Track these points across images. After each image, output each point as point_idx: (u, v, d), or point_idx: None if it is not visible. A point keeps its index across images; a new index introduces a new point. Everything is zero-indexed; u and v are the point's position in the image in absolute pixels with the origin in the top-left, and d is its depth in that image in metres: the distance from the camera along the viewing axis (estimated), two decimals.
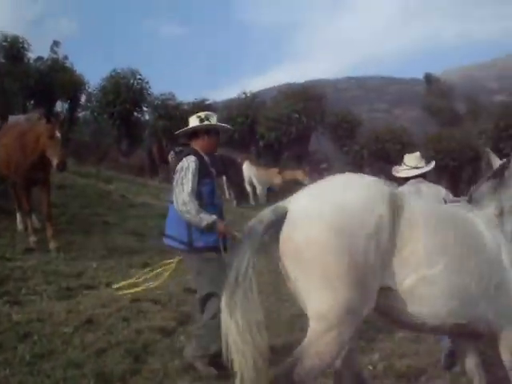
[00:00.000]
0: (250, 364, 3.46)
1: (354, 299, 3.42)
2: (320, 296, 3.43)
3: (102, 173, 21.46)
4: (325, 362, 3.52)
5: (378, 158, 34.70)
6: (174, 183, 5.51)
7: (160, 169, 26.56)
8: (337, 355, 3.69)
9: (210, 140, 5.89)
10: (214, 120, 5.94)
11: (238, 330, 3.47)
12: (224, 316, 3.51)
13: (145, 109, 36.32)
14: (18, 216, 10.67)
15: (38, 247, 9.51)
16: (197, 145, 5.84)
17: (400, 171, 6.62)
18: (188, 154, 5.66)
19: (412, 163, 6.55)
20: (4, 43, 36.08)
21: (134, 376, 5.41)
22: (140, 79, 34.86)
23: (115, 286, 6.45)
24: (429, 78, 62.93)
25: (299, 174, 23.12)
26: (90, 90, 36.45)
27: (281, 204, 3.69)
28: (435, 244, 3.71)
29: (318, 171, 22.19)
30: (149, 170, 26.77)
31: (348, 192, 3.57)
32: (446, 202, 5.96)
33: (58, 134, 9.23)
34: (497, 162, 4.82)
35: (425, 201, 4.32)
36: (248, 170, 22.83)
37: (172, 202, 5.55)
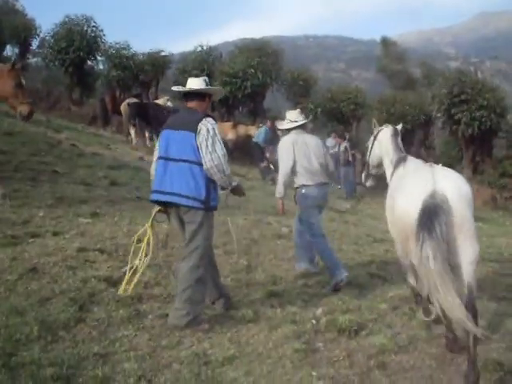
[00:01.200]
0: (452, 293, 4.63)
1: None
2: (476, 248, 5.04)
3: (52, 121, 21.04)
4: None
5: (331, 117, 34.82)
6: (203, 143, 5.60)
7: (112, 119, 26.20)
8: None
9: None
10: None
11: (444, 272, 4.66)
12: (431, 261, 4.67)
13: (98, 58, 35.51)
14: None
15: None
16: (199, 106, 6.01)
17: (284, 124, 8.20)
18: (207, 116, 5.83)
19: (293, 117, 8.03)
20: None
21: (78, 324, 5.41)
22: (94, 27, 33.99)
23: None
24: (385, 41, 62.85)
25: (253, 130, 23.04)
26: (41, 36, 35.40)
27: (438, 192, 4.95)
28: None
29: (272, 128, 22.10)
30: (101, 120, 26.34)
31: (465, 184, 5.18)
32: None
33: (24, 81, 8.94)
34: (376, 129, 6.83)
35: None
36: None
37: (187, 161, 5.64)
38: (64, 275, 6.48)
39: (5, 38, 34.24)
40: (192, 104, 6.01)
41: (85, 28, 33.51)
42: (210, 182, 5.67)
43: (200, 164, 5.62)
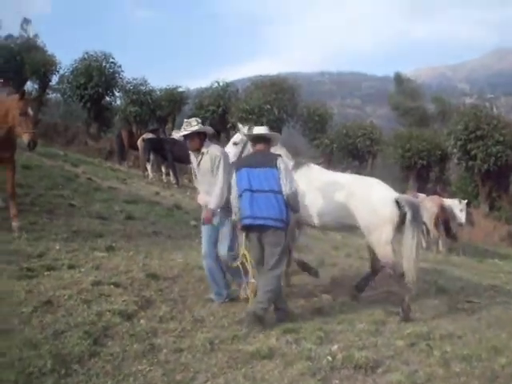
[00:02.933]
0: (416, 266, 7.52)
1: None
2: None
3: (69, 155, 21.24)
4: None
5: (347, 153, 34.88)
6: (283, 176, 6.90)
7: (129, 154, 26.38)
8: None
9: None
10: None
11: (415, 250, 7.43)
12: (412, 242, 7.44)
13: (116, 93, 35.96)
14: None
15: (0, 226, 9.34)
16: (266, 148, 7.32)
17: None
18: (278, 155, 7.19)
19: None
20: None
21: (92, 358, 5.37)
22: (113, 63, 34.52)
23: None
24: (399, 78, 62.92)
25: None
26: (61, 72, 35.96)
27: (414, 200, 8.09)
28: None
29: None
30: (118, 155, 26.55)
31: None
32: None
33: (31, 111, 9.04)
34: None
35: None
36: None
37: (272, 191, 6.87)
38: (79, 308, 6.47)
39: (26, 74, 34.81)
40: (260, 147, 7.27)
41: (103, 64, 34.02)
42: (287, 207, 6.92)
43: (281, 193, 6.87)
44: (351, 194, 7.83)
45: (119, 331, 6.04)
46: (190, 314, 6.81)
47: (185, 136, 7.72)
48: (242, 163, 7.29)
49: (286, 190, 6.87)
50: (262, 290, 6.85)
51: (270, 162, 7.03)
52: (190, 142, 7.65)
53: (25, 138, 8.90)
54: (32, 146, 8.98)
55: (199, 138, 7.61)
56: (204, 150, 7.58)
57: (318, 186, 8.07)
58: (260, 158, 7.17)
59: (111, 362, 5.37)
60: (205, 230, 7.64)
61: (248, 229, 7.10)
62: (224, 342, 6.08)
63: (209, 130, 7.89)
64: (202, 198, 7.75)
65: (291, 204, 6.99)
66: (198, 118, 7.91)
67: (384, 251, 7.75)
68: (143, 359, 5.51)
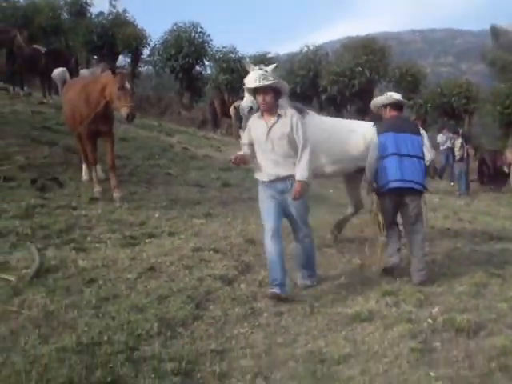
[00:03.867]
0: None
1: None
2: None
3: (164, 125, 21.68)
4: None
5: (442, 112, 33.88)
6: (426, 144, 7.38)
7: (222, 122, 26.68)
8: None
9: None
10: None
11: None
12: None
13: (206, 62, 36.35)
14: (84, 167, 10.83)
15: (102, 197, 9.69)
16: (400, 115, 7.74)
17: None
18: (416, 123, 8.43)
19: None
20: None
21: (195, 322, 5.54)
22: (201, 32, 34.84)
23: None
24: (495, 31, 59.58)
25: None
26: (151, 44, 36.66)
27: None
28: None
29: None
30: (211, 124, 26.92)
31: None
32: None
33: (128, 85, 9.28)
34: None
35: None
36: None
37: (417, 157, 7.20)
38: (181, 274, 6.67)
39: (118, 49, 35.74)
40: (395, 113, 7.61)
41: (192, 34, 34.41)
42: (425, 173, 7.34)
43: (423, 159, 7.25)
44: (365, 137, 7.87)
45: (220, 295, 6.18)
46: (289, 278, 6.87)
47: (255, 91, 6.39)
48: (386, 127, 7.43)
49: (428, 156, 7.31)
50: (421, 256, 7.14)
51: (415, 128, 7.52)
52: (264, 99, 6.24)
53: (123, 112, 9.14)
54: (130, 118, 9.23)
55: (274, 95, 6.29)
56: (281, 111, 6.32)
57: (331, 134, 7.81)
58: (404, 123, 7.60)
59: (214, 325, 5.52)
60: (275, 206, 6.51)
61: (392, 191, 7.16)
62: (324, 305, 6.12)
63: (286, 87, 6.68)
64: (270, 172, 6.37)
65: (429, 170, 7.60)
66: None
67: None
68: (244, 322, 5.63)
